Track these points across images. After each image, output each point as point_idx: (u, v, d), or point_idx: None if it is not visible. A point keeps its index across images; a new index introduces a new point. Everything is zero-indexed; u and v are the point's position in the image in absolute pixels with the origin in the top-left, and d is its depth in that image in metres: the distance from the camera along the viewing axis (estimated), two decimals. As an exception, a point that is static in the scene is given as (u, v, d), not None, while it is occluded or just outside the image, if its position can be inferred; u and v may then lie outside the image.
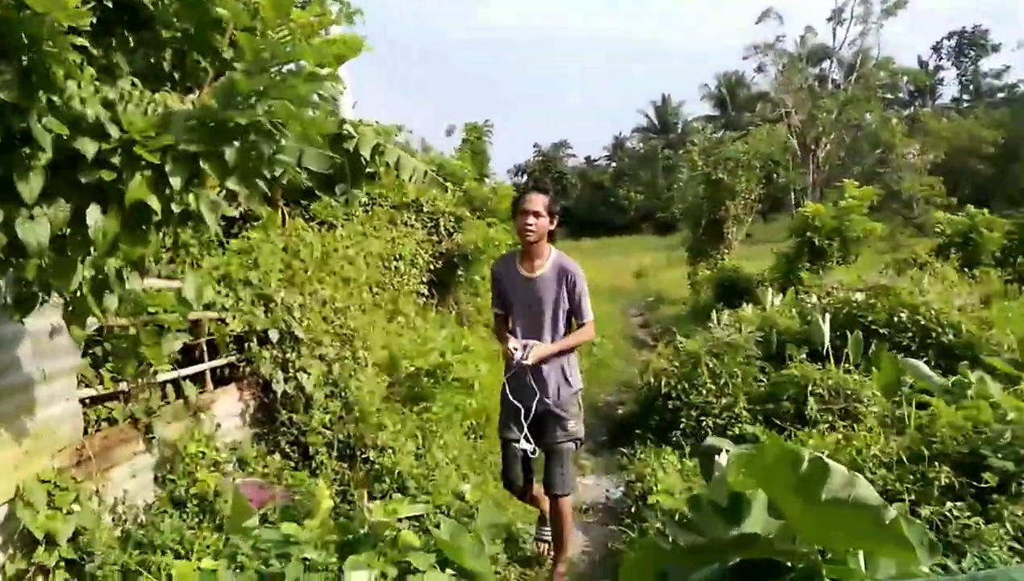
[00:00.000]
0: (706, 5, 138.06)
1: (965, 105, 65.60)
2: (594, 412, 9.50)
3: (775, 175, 19.97)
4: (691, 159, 18.68)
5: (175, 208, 3.05)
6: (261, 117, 3.10)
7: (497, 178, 13.81)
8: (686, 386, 7.73)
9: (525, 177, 75.82)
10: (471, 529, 5.31)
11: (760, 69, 59.49)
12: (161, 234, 3.26)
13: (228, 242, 7.17)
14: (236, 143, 3.08)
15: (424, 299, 10.53)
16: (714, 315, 12.46)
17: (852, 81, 53.64)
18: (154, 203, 2.99)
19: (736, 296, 14.40)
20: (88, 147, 2.86)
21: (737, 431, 7.24)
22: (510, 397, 4.76)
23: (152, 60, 4.32)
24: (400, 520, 5.17)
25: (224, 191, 6.29)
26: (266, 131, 3.26)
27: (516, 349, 4.59)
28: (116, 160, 2.96)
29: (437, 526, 5.59)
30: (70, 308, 3.18)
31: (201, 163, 3.01)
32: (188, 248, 6.76)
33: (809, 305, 9.64)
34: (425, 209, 11.04)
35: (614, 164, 79.50)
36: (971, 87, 71.23)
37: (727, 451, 2.42)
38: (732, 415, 7.38)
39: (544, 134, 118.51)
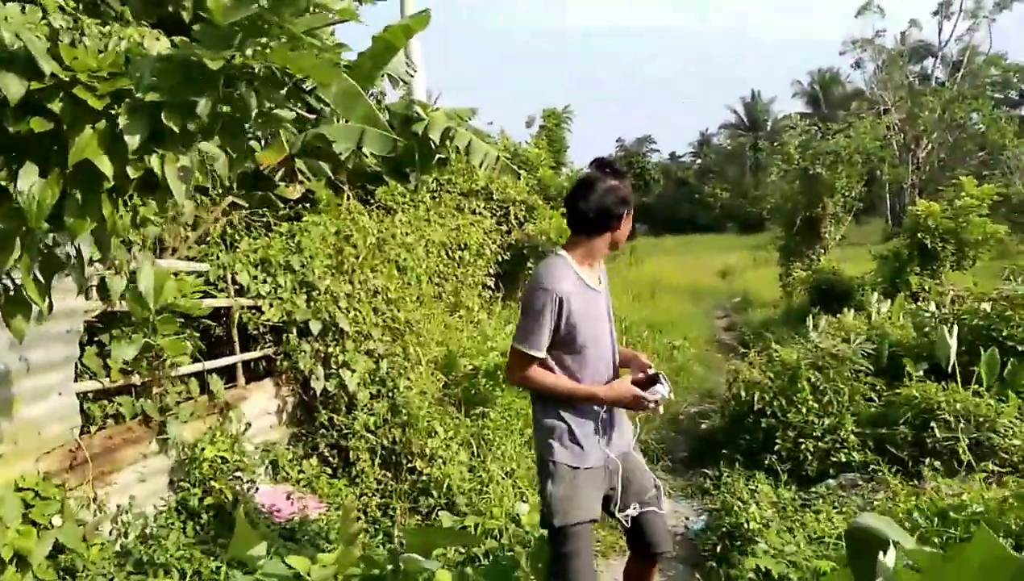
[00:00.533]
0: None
1: (1086, 104, 60.81)
2: (673, 424, 8.56)
3: (878, 172, 18.36)
4: (787, 152, 17.33)
5: (131, 173, 2.34)
6: (244, 59, 2.37)
7: (575, 167, 12.94)
8: (783, 402, 6.72)
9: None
10: (524, 562, 4.54)
11: (858, 65, 56.60)
12: (125, 205, 2.56)
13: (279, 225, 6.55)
14: (209, 93, 2.36)
15: (490, 292, 9.77)
16: (810, 321, 11.33)
17: (958, 79, 50.33)
18: (104, 165, 2.29)
19: (834, 300, 13.11)
20: (11, 86, 2.16)
21: (843, 458, 6.22)
22: (592, 463, 3.16)
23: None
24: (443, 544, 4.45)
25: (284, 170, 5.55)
26: (253, 78, 2.53)
27: (654, 401, 3.14)
28: (56, 107, 2.27)
29: (487, 555, 4.88)
30: (2, 296, 2.51)
31: (164, 117, 2.30)
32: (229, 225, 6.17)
33: (927, 314, 8.41)
34: (495, 197, 10.28)
35: (699, 161, 77.40)
36: (1093, 84, 65.99)
37: (894, 543, 1.54)
38: (837, 439, 6.34)
39: (628, 129, 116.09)
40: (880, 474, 5.80)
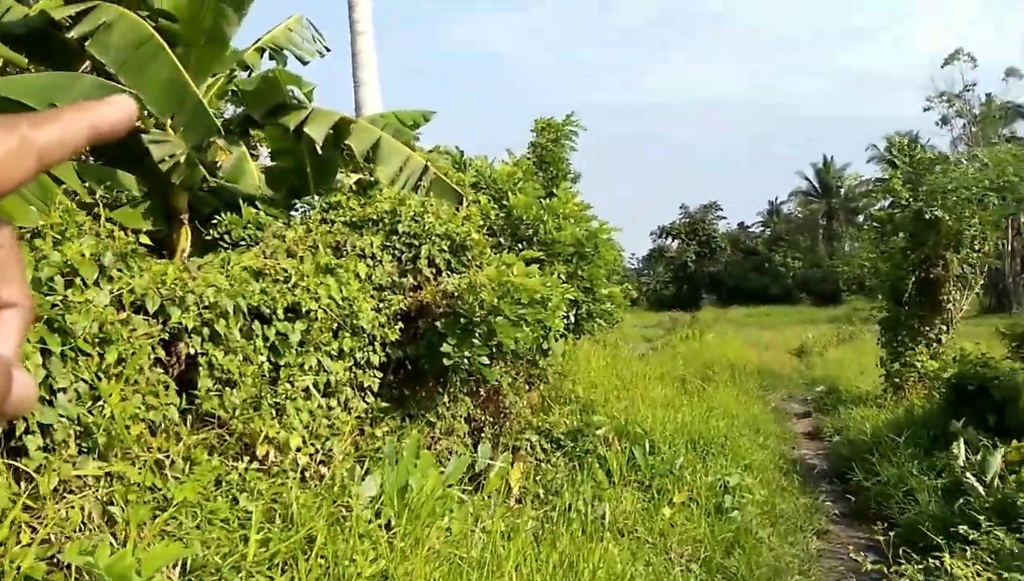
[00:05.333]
0: (876, 69, 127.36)
1: None
2: None
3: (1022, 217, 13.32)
4: (892, 188, 12.48)
5: None
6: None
7: (577, 200, 8.37)
8: None
9: (671, 240, 70.39)
10: None
11: (945, 121, 51.17)
12: None
13: None
14: None
15: (367, 407, 5.28)
16: (959, 448, 6.55)
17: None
18: None
19: (986, 407, 8.15)
20: None
21: None
22: None
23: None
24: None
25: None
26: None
27: None
28: None
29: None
30: None
31: None
32: None
33: None
34: (401, 229, 5.86)
35: (769, 229, 72.48)
36: None
37: None
38: None
39: (693, 197, 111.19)
40: None
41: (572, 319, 8.00)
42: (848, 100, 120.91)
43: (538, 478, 7.52)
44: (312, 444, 4.77)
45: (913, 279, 12.02)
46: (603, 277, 8.46)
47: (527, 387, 9.54)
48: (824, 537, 7.09)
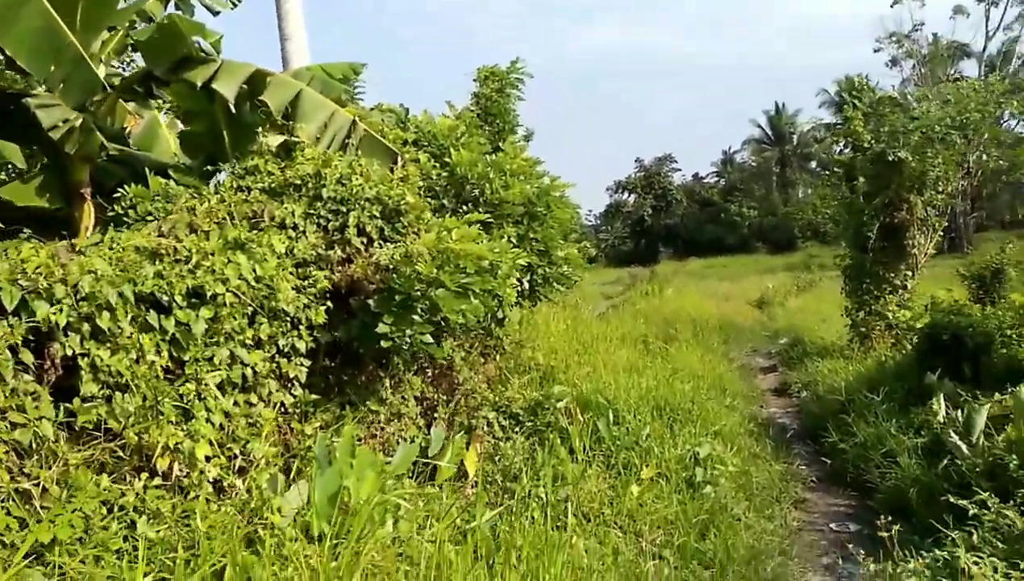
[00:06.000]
0: (819, 16, 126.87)
1: None
2: None
3: (983, 156, 12.94)
4: (854, 130, 11.96)
5: None
6: None
7: (524, 151, 7.73)
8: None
9: (627, 194, 70.02)
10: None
11: (894, 62, 51.09)
12: None
13: None
14: None
15: (294, 399, 4.61)
16: (938, 404, 6.20)
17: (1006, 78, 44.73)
18: None
19: (963, 358, 7.79)
20: None
21: None
22: None
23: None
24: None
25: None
26: None
27: None
28: None
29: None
30: None
31: None
32: None
33: None
34: (326, 195, 5.16)
35: (723, 180, 72.60)
36: None
37: None
38: None
39: (648, 151, 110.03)
40: None
41: (526, 285, 7.38)
42: (799, 49, 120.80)
43: (497, 458, 6.99)
44: (230, 449, 4.13)
45: (877, 224, 11.62)
46: (558, 238, 7.83)
47: (482, 360, 8.95)
48: (802, 507, 6.68)
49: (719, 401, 9.37)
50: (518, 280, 7.16)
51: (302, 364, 4.71)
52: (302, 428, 4.62)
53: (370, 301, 4.76)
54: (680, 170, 72.58)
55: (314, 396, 4.73)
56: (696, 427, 7.50)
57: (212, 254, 4.31)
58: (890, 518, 4.89)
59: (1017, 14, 47.54)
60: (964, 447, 5.78)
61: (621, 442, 7.03)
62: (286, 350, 4.67)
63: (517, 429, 7.57)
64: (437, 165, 6.99)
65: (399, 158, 6.19)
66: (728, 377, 11.26)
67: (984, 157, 12.04)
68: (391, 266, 4.84)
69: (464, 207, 6.61)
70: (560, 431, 7.02)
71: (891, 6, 47.37)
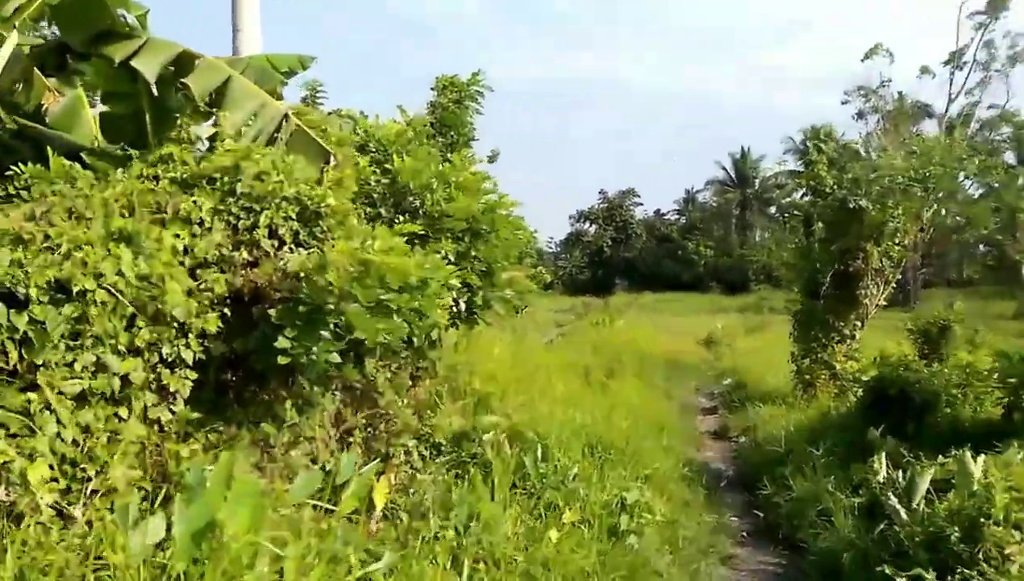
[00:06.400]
0: (788, 61, 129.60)
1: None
2: None
3: (942, 211, 12.93)
4: (816, 175, 11.85)
5: None
6: None
7: (476, 169, 7.28)
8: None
9: (588, 224, 70.23)
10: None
11: (860, 116, 52.14)
12: None
13: None
14: None
15: (172, 415, 4.08)
16: (880, 462, 5.95)
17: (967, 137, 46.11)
18: None
19: (907, 415, 7.56)
20: None
21: None
22: None
23: None
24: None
25: None
26: None
27: None
28: None
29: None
30: None
31: None
32: None
33: None
34: (240, 191, 4.67)
35: (684, 218, 73.45)
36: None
37: None
38: None
39: (612, 184, 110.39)
40: None
41: (462, 306, 6.92)
42: (768, 95, 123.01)
43: (412, 492, 6.50)
44: (84, 471, 3.58)
45: (831, 271, 11.47)
46: (503, 259, 7.38)
47: (411, 383, 8.46)
48: (730, 563, 6.30)
49: (656, 440, 9.01)
50: (454, 301, 6.72)
51: (186, 377, 4.18)
52: (178, 450, 4.08)
53: (272, 311, 4.25)
54: (642, 204, 73.42)
55: (196, 414, 4.19)
56: (628, 469, 7.10)
57: (89, 245, 3.78)
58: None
59: (979, 79, 49.05)
60: (903, 512, 5.47)
61: (547, 480, 6.60)
62: (170, 360, 4.14)
63: (439, 459, 7.09)
64: (378, 171, 6.54)
65: (332, 158, 5.72)
66: (668, 416, 10.92)
67: (943, 212, 12.03)
68: (301, 274, 4.35)
69: (400, 217, 6.16)
70: (484, 465, 6.56)
71: (862, 60, 48.36)
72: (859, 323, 11.79)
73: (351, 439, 6.81)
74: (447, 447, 7.19)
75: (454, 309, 6.80)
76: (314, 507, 5.05)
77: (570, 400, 9.30)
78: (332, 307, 4.38)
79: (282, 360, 4.19)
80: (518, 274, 7.57)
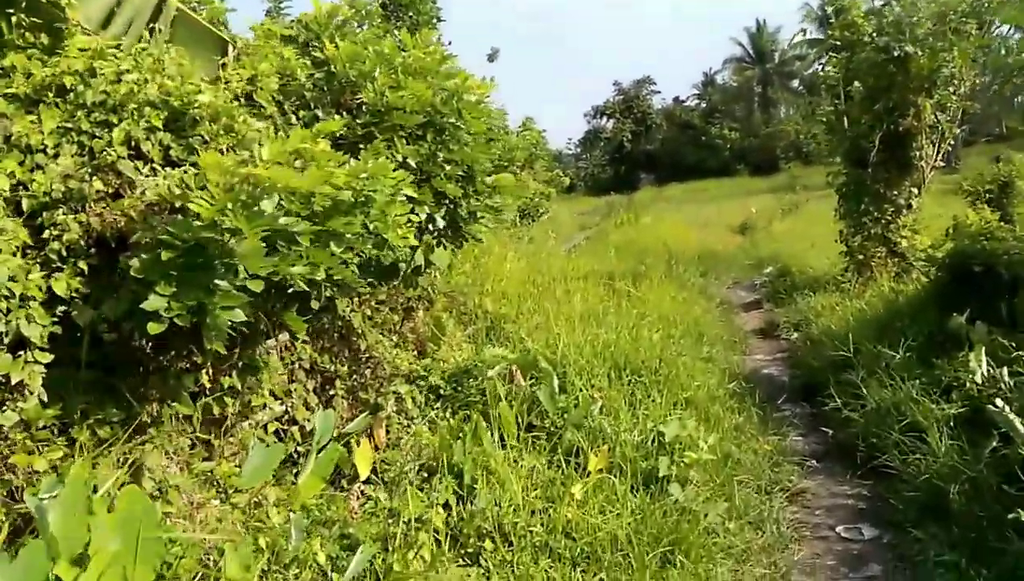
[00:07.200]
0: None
1: None
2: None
3: (1004, 50, 11.13)
4: (850, 23, 10.10)
5: None
6: None
7: (433, 48, 5.92)
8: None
9: (606, 120, 67.64)
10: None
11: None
12: None
13: None
14: None
15: (20, 417, 2.94)
16: (980, 358, 4.67)
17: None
18: None
19: (995, 295, 6.21)
20: None
21: None
22: None
23: None
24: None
25: None
26: None
27: None
28: None
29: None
30: None
31: None
32: None
33: None
34: (93, 99, 3.41)
35: (704, 102, 70.36)
36: None
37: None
38: None
39: (627, 74, 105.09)
40: None
41: (440, 223, 5.64)
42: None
43: (410, 444, 5.45)
44: None
45: (880, 133, 9.90)
46: (484, 159, 6.02)
47: (403, 316, 7.30)
48: (800, 500, 5.15)
49: (695, 351, 7.80)
50: (428, 216, 5.45)
51: (36, 361, 3.03)
52: (30, 462, 2.96)
53: (133, 262, 3.03)
54: (660, 93, 70.31)
55: (51, 411, 3.05)
56: (663, 394, 5.91)
57: None
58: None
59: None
60: (1020, 424, 4.23)
61: (568, 418, 5.45)
62: (7, 342, 2.98)
63: (438, 405, 5.99)
64: (308, 63, 5.18)
65: (232, 48, 4.38)
66: (705, 319, 9.67)
67: (1003, 52, 10.27)
68: (170, 204, 3.11)
69: (339, 116, 4.84)
70: (484, 409, 5.45)
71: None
72: (915, 190, 10.27)
73: (332, 391, 5.74)
74: (446, 389, 6.09)
75: (430, 227, 5.54)
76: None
77: (591, 315, 8.10)
78: (220, 248, 3.14)
79: (153, 328, 2.97)
80: (502, 177, 6.22)
